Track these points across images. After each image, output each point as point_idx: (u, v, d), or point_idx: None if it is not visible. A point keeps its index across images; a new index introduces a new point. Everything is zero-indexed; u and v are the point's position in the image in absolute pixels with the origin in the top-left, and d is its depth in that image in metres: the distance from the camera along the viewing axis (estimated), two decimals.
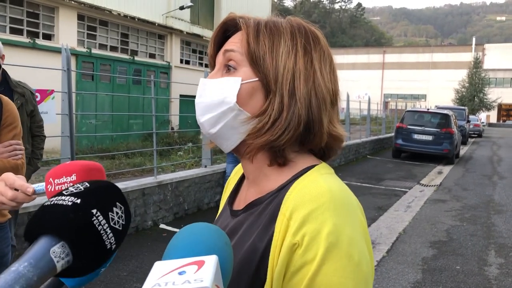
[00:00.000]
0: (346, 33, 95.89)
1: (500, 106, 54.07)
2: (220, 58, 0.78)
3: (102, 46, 16.00)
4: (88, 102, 14.96)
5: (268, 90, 0.73)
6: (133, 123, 16.88)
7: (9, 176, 0.88)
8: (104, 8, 15.17)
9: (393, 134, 15.84)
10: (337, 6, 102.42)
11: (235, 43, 0.76)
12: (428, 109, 16.27)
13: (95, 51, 15.44)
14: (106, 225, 0.55)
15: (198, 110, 0.78)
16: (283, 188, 0.72)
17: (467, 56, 54.02)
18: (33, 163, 3.42)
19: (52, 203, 0.55)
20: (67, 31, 14.22)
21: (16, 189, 0.86)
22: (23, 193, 0.86)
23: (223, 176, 6.82)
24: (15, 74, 3.36)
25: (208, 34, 19.81)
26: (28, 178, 3.34)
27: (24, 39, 12.95)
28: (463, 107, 25.69)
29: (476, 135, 29.86)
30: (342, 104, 14.92)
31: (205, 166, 6.91)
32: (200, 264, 0.48)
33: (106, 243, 0.55)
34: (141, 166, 9.25)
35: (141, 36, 17.72)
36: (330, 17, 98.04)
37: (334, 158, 0.83)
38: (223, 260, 0.52)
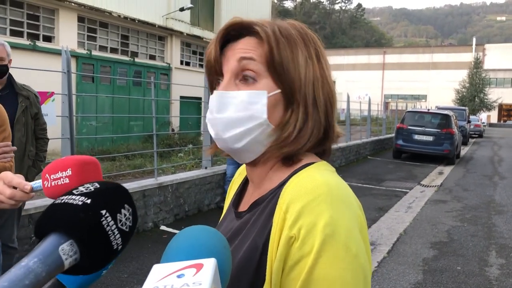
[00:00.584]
0: (346, 34, 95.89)
1: (500, 106, 54.04)
2: (232, 64, 0.74)
3: (102, 48, 16.01)
4: (88, 104, 14.97)
5: (290, 100, 0.73)
6: (133, 125, 16.88)
7: (7, 174, 0.88)
8: (104, 10, 15.18)
9: (393, 134, 15.83)
10: (337, 6, 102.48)
11: (252, 51, 0.73)
12: (428, 110, 16.26)
13: (95, 53, 15.45)
14: (114, 226, 0.56)
15: (219, 126, 0.74)
16: (283, 184, 0.72)
17: (468, 57, 54.01)
18: (37, 165, 3.47)
19: (62, 201, 0.56)
20: (67, 33, 14.23)
21: (14, 187, 0.87)
22: (21, 191, 0.86)
23: (223, 178, 6.82)
24: (15, 76, 3.37)
25: (208, 35, 19.81)
26: (32, 179, 3.35)
27: (24, 41, 12.97)
28: (463, 108, 25.68)
29: (476, 136, 29.84)
30: (343, 105, 14.96)
31: (206, 168, 6.91)
32: (199, 267, 0.48)
33: (113, 243, 0.56)
34: (142, 168, 9.25)
35: (141, 37, 17.73)
36: (330, 18, 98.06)
37: (329, 155, 0.83)
38: (222, 263, 0.52)
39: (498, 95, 50.02)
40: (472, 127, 27.65)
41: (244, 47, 0.74)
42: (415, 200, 8.13)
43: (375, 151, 15.82)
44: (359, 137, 14.61)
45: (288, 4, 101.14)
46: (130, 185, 5.40)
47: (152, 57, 18.36)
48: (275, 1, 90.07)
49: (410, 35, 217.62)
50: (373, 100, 17.14)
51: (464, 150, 18.87)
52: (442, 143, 13.69)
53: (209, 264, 0.48)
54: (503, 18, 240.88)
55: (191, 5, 17.75)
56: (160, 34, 18.52)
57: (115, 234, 0.56)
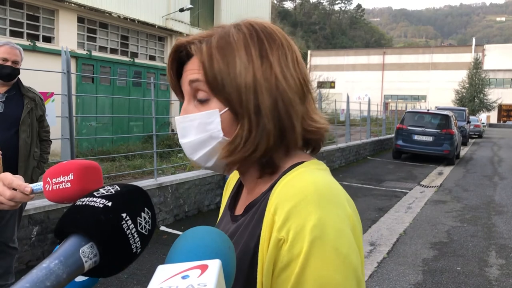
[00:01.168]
0: (346, 35, 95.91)
1: (500, 107, 54.04)
2: (186, 88, 0.75)
3: (102, 49, 16.00)
4: (88, 105, 14.96)
5: (237, 113, 0.71)
6: (133, 125, 16.87)
7: (7, 176, 0.88)
8: (104, 11, 15.18)
9: (393, 135, 15.83)
10: (337, 7, 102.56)
11: (197, 71, 0.73)
12: (428, 110, 16.26)
13: (95, 53, 15.45)
14: (134, 229, 0.56)
15: (187, 150, 0.76)
16: (273, 186, 0.72)
17: (467, 57, 54.03)
18: (41, 166, 3.51)
19: (83, 203, 0.56)
20: (67, 34, 14.23)
21: (14, 189, 0.87)
22: (21, 193, 0.86)
23: (223, 178, 6.81)
24: None
25: None
26: (36, 180, 3.37)
27: (24, 41, 12.95)
28: (463, 108, 25.66)
29: (476, 136, 29.83)
30: (343, 105, 14.96)
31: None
32: (204, 268, 0.48)
33: (133, 247, 0.56)
34: (142, 168, 9.25)
35: (141, 38, 17.73)
36: (330, 19, 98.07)
37: (318, 150, 0.81)
38: (226, 264, 0.52)
39: (498, 95, 50.04)
40: (471, 127, 27.65)
41: (192, 68, 0.74)
42: (415, 201, 8.13)
43: (375, 151, 15.82)
44: (359, 138, 14.61)
45: (288, 5, 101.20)
46: None
47: (152, 58, 18.36)
48: (275, 1, 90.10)
49: (409, 36, 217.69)
50: (372, 100, 17.15)
51: (463, 151, 18.87)
52: (441, 143, 13.69)
53: (214, 266, 0.48)
54: (503, 19, 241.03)
55: (191, 6, 17.75)
56: (160, 35, 18.52)
57: (135, 238, 0.56)
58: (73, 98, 6.01)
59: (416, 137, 13.97)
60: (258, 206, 0.72)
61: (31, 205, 4.10)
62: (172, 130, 16.66)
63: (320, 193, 0.64)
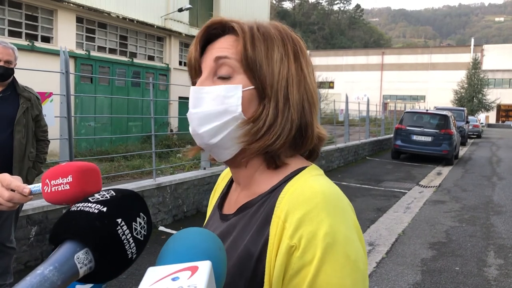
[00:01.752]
0: (345, 35, 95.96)
1: (499, 107, 54.11)
2: (209, 63, 0.75)
3: (100, 49, 16.00)
4: (87, 105, 14.95)
5: (262, 96, 0.73)
6: (132, 126, 16.87)
7: (5, 177, 0.88)
8: (102, 11, 15.18)
9: (392, 135, 15.84)
10: (335, 7, 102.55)
11: (227, 49, 0.74)
12: (427, 110, 16.27)
13: (94, 53, 15.44)
14: (129, 235, 0.56)
15: (195, 121, 0.74)
16: (275, 190, 0.73)
17: (466, 57, 54.08)
18: (37, 166, 3.49)
19: (78, 209, 0.56)
20: (65, 34, 14.22)
21: (12, 190, 0.87)
22: (19, 194, 0.86)
23: None
24: None
25: None
26: (32, 181, 3.36)
27: (22, 41, 12.94)
28: (462, 108, 25.69)
29: (475, 136, 29.86)
30: (341, 105, 14.96)
31: (204, 168, 6.90)
32: (194, 270, 0.48)
33: (128, 252, 0.56)
34: (140, 169, 9.24)
35: (140, 38, 17.73)
36: (329, 19, 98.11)
37: (317, 157, 0.84)
38: (217, 265, 0.51)
39: (497, 95, 50.08)
40: (470, 127, 27.67)
41: (222, 46, 0.75)
42: (414, 201, 8.13)
43: (374, 151, 15.83)
44: (357, 138, 14.61)
45: (287, 5, 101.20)
46: (129, 186, 5.39)
47: (150, 58, 18.35)
48: (274, 2, 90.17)
49: (408, 36, 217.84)
50: (371, 100, 17.15)
51: (462, 151, 18.89)
52: (440, 143, 13.70)
53: (204, 267, 0.48)
54: (502, 19, 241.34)
55: (189, 6, 17.75)
56: (159, 35, 18.51)
57: (130, 243, 0.56)
58: (72, 98, 6.01)
59: (415, 137, 13.98)
60: (257, 209, 0.73)
61: (29, 205, 4.09)
62: (171, 130, 16.65)
63: (329, 201, 0.67)
